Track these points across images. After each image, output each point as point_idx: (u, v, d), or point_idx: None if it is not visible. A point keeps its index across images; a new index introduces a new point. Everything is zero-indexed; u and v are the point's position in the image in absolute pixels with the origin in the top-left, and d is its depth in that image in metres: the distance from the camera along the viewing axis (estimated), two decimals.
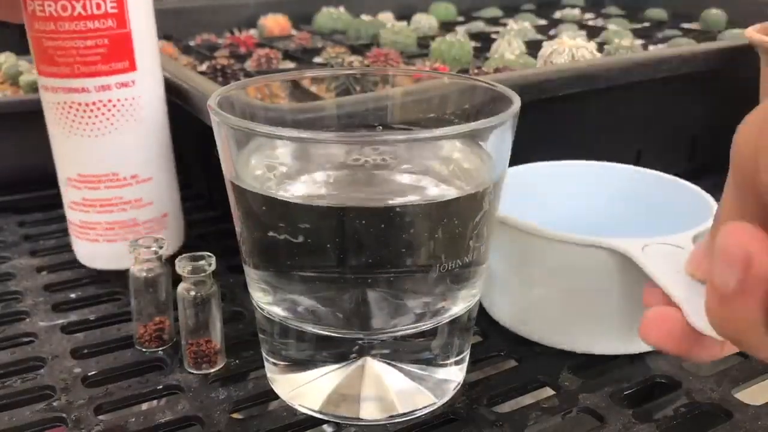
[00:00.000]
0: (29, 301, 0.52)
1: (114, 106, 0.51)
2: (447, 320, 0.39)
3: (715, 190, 0.55)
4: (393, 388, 0.39)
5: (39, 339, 0.47)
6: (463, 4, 1.16)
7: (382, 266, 0.36)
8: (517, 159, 0.46)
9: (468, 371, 0.43)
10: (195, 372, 0.44)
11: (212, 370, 0.44)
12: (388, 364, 0.39)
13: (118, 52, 0.50)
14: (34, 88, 0.73)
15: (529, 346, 0.46)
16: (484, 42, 0.90)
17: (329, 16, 1.02)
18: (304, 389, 0.40)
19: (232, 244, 0.61)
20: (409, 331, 0.38)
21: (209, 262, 0.42)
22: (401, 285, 0.37)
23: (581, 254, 0.42)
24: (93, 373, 0.44)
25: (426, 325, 0.38)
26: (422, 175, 0.38)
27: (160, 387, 0.43)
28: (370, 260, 0.35)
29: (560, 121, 0.62)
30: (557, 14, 1.13)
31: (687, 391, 0.42)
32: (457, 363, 0.41)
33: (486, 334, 0.48)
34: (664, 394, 0.43)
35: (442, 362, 0.40)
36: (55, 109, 0.52)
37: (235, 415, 0.41)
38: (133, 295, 0.45)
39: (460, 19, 1.12)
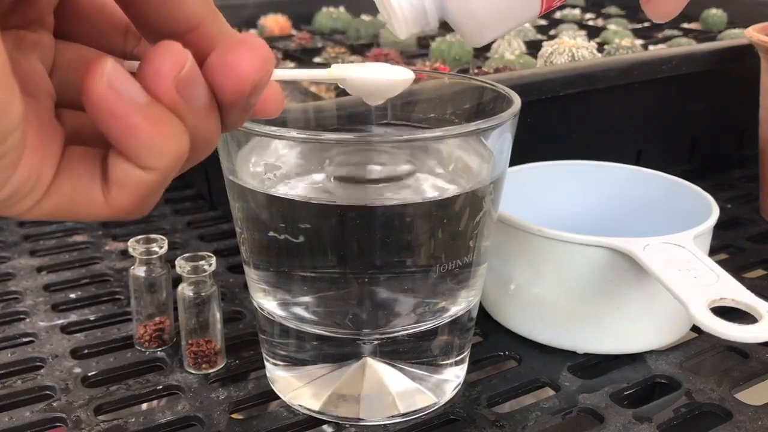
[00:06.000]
0: (29, 301, 0.52)
1: None
2: (447, 320, 0.39)
3: (715, 190, 0.55)
4: (393, 388, 0.39)
5: (39, 339, 0.47)
6: None
7: (382, 266, 0.36)
8: (517, 159, 0.46)
9: (468, 371, 0.43)
10: (195, 372, 0.44)
11: (212, 370, 0.44)
12: (388, 364, 0.39)
13: None
14: None
15: (529, 346, 0.46)
16: None
17: (329, 16, 1.02)
18: (304, 389, 0.40)
19: (232, 244, 0.62)
20: (409, 331, 0.38)
21: (209, 262, 0.42)
22: (401, 285, 0.37)
23: (581, 254, 0.43)
24: (93, 373, 0.44)
25: (426, 325, 0.38)
26: (422, 174, 0.38)
27: (160, 387, 0.43)
28: (370, 260, 0.35)
29: (560, 121, 0.62)
30: (557, 14, 1.14)
31: (687, 391, 0.42)
32: (457, 363, 0.41)
33: (486, 334, 0.48)
34: (664, 394, 0.43)
35: (442, 362, 0.40)
36: None
37: (235, 415, 0.41)
38: (133, 295, 0.45)
39: None
